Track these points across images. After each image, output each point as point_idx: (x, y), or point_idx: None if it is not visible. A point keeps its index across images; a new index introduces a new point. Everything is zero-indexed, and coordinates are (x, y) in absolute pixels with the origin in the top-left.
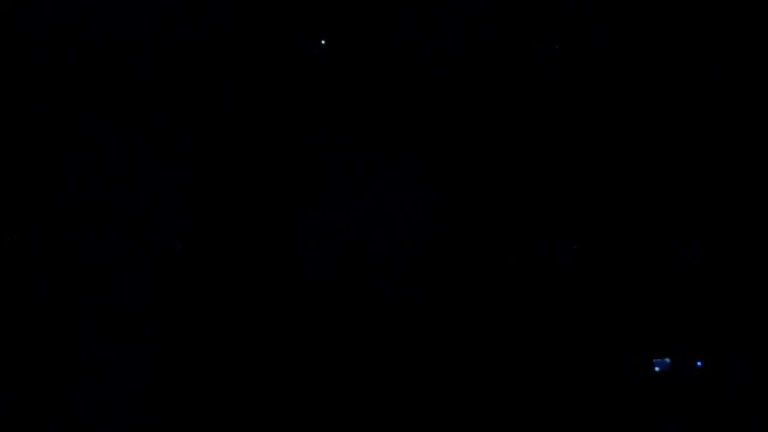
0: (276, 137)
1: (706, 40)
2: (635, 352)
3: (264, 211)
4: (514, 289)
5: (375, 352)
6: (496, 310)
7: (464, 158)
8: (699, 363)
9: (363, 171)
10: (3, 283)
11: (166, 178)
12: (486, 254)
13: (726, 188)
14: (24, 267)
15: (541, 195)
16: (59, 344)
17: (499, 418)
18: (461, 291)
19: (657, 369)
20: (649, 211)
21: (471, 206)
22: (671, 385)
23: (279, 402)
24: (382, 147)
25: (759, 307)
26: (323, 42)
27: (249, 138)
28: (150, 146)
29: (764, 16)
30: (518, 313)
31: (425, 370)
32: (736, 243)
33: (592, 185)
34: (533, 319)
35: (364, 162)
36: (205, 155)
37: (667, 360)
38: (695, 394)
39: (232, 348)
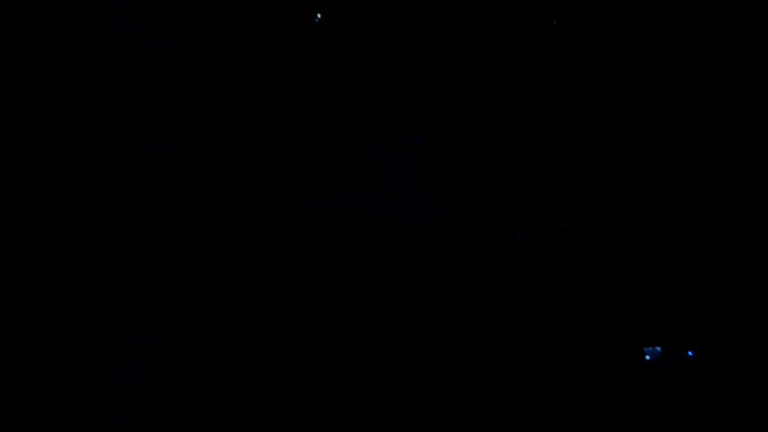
0: (275, 132)
1: (708, 41)
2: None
3: (263, 208)
4: (513, 288)
5: (374, 351)
6: (495, 309)
7: (464, 156)
8: (690, 353)
9: (362, 164)
10: (3, 283)
11: (165, 174)
12: (486, 250)
13: (726, 186)
14: (24, 266)
15: (541, 193)
16: (59, 344)
17: (499, 418)
18: (462, 287)
19: (648, 358)
20: (650, 206)
21: (471, 205)
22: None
23: (279, 402)
24: (381, 145)
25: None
26: (318, 15)
27: (248, 134)
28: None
29: (764, 16)
30: (517, 311)
31: (425, 370)
32: (739, 240)
33: (592, 184)
34: (532, 318)
35: (364, 155)
36: (204, 153)
37: (658, 348)
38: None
39: (232, 347)
